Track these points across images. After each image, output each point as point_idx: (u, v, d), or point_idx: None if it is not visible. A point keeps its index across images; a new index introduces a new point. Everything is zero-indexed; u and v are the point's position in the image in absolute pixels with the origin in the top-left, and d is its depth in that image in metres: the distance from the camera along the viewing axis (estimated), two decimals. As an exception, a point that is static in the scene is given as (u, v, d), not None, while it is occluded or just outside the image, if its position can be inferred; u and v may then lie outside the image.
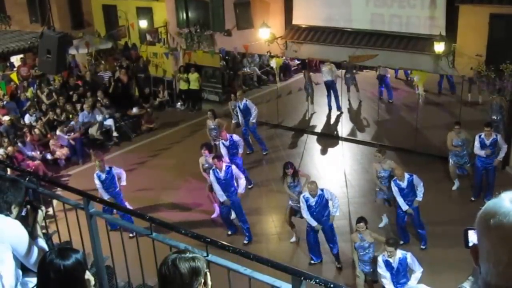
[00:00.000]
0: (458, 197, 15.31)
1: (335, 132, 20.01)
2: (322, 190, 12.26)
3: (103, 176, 13.96)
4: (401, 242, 12.76)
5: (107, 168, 14.10)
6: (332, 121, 21.04)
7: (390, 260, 10.14)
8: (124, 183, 14.47)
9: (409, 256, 10.22)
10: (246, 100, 18.12)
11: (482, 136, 14.17)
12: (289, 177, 12.93)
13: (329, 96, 21.45)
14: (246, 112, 17.78)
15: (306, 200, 12.15)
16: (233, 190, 13.39)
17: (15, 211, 4.38)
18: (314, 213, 12.17)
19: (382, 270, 10.28)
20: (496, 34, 16.11)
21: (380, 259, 10.31)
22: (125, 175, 14.56)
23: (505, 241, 1.79)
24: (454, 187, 15.57)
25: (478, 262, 1.94)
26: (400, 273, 10.22)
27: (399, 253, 10.20)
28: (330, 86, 21.22)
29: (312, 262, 12.78)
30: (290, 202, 13.18)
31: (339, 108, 21.44)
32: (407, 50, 18.20)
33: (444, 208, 14.57)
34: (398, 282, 10.25)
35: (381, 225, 13.91)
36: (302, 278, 3.71)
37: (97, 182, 13.94)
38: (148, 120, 21.65)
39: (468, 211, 13.58)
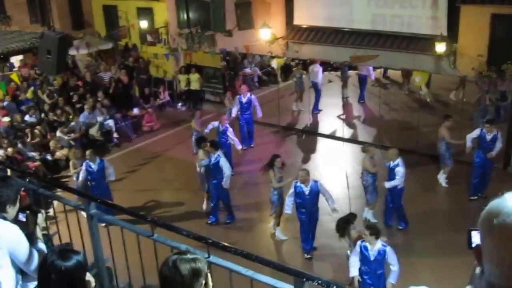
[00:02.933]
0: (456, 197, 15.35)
1: (337, 133, 20.01)
2: (316, 182, 12.65)
3: (94, 166, 14.18)
4: (400, 227, 13.53)
5: (98, 160, 14.32)
6: (334, 121, 21.02)
7: (369, 248, 10.09)
8: (112, 177, 14.85)
9: (388, 249, 10.14)
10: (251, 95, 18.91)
11: (484, 130, 14.13)
12: (276, 169, 13.24)
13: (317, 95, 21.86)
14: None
15: (296, 187, 12.48)
16: (219, 177, 14.10)
17: (10, 210, 4.33)
18: (305, 202, 12.54)
19: (354, 254, 10.30)
20: (497, 34, 16.14)
21: (358, 243, 10.26)
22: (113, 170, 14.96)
23: (508, 241, 1.78)
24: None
25: (482, 263, 1.93)
26: (377, 264, 10.17)
27: (379, 244, 10.11)
28: (316, 87, 21.59)
29: (306, 256, 13.04)
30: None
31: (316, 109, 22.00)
32: (408, 50, 18.23)
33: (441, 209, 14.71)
34: (374, 272, 10.22)
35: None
36: (304, 279, 3.70)
37: (82, 175, 14.18)
38: (149, 120, 21.66)
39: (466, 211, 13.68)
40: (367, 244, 10.08)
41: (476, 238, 2.08)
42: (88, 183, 14.29)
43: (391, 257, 10.11)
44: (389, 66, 19.94)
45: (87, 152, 14.51)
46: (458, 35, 17.02)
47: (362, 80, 22.19)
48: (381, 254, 10.07)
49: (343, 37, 19.85)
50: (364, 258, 10.17)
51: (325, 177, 16.57)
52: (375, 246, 10.02)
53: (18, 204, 4.47)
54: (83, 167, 14.24)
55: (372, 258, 10.08)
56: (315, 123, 21.01)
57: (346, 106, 22.24)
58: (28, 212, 4.66)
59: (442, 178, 15.68)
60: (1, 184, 4.31)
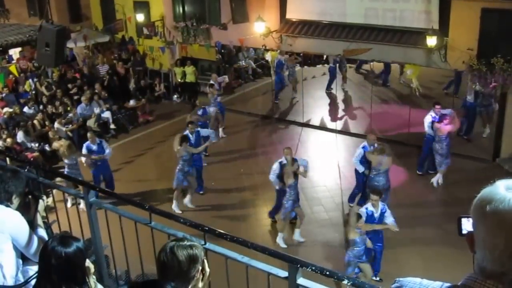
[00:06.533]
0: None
1: (329, 125, 20.21)
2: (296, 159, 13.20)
3: (94, 147, 15.01)
4: None
5: (97, 141, 15.18)
6: (326, 113, 21.22)
7: (374, 210, 10.90)
8: (107, 156, 15.42)
9: (386, 208, 11.11)
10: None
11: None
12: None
13: None
14: None
15: (282, 164, 12.97)
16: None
17: (15, 201, 4.45)
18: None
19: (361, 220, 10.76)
20: (487, 28, 16.20)
21: (363, 210, 10.98)
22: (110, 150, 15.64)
23: (501, 226, 1.83)
24: None
25: (474, 249, 1.98)
26: (380, 222, 11.03)
27: (380, 205, 11.03)
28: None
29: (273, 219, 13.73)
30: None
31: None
32: (400, 44, 18.27)
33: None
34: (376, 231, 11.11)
35: None
36: (298, 266, 3.82)
37: (84, 151, 15.02)
38: (144, 112, 21.92)
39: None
40: (373, 208, 10.93)
41: (466, 225, 2.15)
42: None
43: (390, 215, 11.05)
44: (381, 59, 20.08)
45: (88, 135, 15.38)
46: (449, 29, 17.12)
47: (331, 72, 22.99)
48: (383, 213, 11.02)
49: (336, 31, 19.86)
50: (371, 221, 10.90)
51: (317, 168, 16.78)
52: (378, 208, 10.96)
53: (23, 198, 4.61)
54: (84, 150, 15.10)
55: (377, 219, 10.93)
56: (309, 115, 21.13)
57: (331, 98, 22.56)
58: (30, 197, 4.77)
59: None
60: (11, 176, 4.46)
